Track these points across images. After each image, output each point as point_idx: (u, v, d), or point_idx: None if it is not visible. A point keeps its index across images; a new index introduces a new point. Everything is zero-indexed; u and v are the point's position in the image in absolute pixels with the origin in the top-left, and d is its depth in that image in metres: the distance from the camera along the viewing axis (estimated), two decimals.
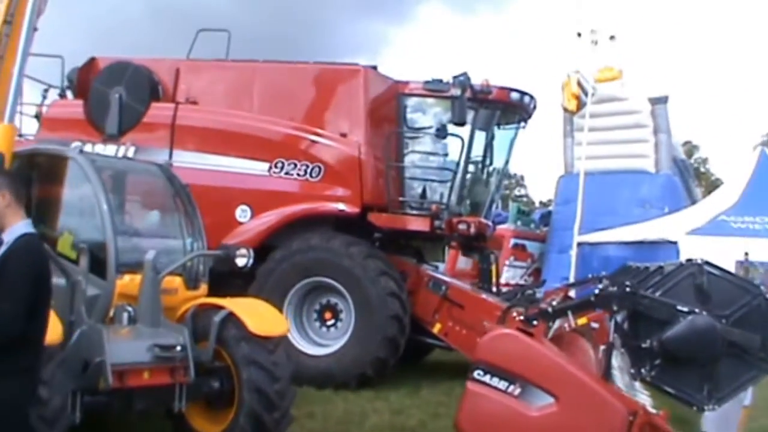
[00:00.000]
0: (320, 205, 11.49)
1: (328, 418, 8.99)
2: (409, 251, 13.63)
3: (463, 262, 26.16)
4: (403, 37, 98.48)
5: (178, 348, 6.52)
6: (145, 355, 6.36)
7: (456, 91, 11.03)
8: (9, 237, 4.04)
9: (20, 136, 12.78)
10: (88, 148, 11.98)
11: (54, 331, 5.57)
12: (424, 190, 12.12)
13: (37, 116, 13.13)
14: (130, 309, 6.85)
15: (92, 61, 12.93)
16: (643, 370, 6.34)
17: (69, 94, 13.13)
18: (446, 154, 12.23)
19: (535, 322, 6.84)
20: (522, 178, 68.13)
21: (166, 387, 6.49)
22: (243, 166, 11.79)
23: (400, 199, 11.84)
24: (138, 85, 12.40)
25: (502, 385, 6.65)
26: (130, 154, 12.16)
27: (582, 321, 7.63)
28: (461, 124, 11.34)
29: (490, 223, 13.08)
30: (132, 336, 6.60)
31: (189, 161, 11.93)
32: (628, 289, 6.76)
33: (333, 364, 10.91)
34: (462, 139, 11.71)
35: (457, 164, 11.77)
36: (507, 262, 21.59)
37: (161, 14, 78.35)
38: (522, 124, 12.89)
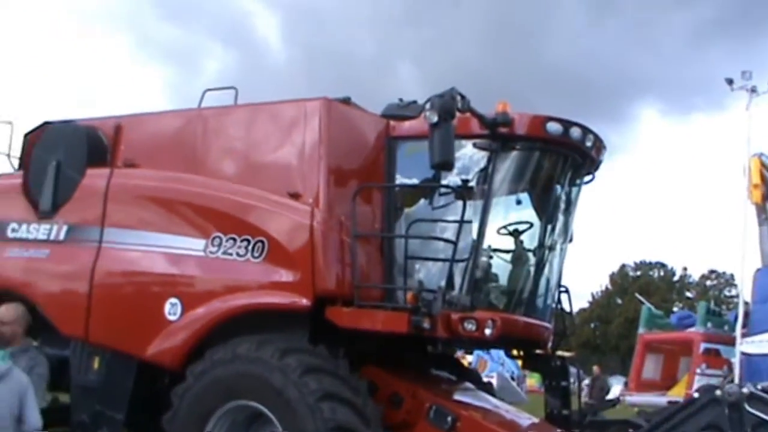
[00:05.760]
0: (256, 297, 8.04)
1: None
2: (450, 364, 9.92)
3: (651, 371, 22.15)
4: (623, 139, 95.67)
5: None
6: None
7: (432, 117, 7.31)
8: None
9: None
10: (23, 229, 9.64)
11: None
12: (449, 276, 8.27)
13: None
14: None
15: (43, 126, 10.39)
16: None
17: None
18: (467, 221, 8.36)
19: None
20: (732, 276, 61.25)
21: None
22: (177, 245, 8.63)
23: (372, 285, 8.14)
24: (76, 149, 9.69)
25: None
26: (62, 235, 9.46)
27: None
28: (443, 167, 7.57)
29: (546, 324, 8.99)
30: None
31: (119, 241, 9.05)
32: None
33: None
34: (463, 197, 7.85)
35: (457, 233, 7.81)
36: (698, 371, 19.51)
37: None
38: (580, 174, 8.86)
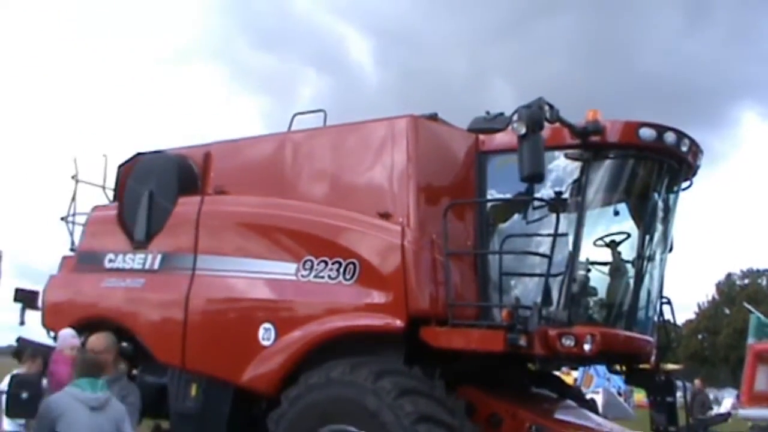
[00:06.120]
0: (349, 320, 7.92)
1: None
2: (551, 381, 9.64)
3: (764, 383, 21.08)
4: (724, 144, 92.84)
5: None
6: None
7: (520, 128, 7.11)
8: None
9: (72, 250, 10.97)
10: (119, 259, 9.80)
11: None
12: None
13: None
14: None
15: (135, 157, 10.56)
16: None
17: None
18: (562, 234, 8.05)
19: None
20: None
21: None
22: (268, 270, 8.60)
23: (467, 303, 7.94)
24: (167, 178, 9.82)
25: None
26: (156, 264, 9.57)
27: None
28: (533, 179, 7.33)
29: (648, 337, 8.62)
30: None
31: (211, 268, 9.09)
32: None
33: None
34: (557, 210, 7.60)
35: (552, 247, 7.55)
36: None
37: None
38: (678, 181, 8.49)
